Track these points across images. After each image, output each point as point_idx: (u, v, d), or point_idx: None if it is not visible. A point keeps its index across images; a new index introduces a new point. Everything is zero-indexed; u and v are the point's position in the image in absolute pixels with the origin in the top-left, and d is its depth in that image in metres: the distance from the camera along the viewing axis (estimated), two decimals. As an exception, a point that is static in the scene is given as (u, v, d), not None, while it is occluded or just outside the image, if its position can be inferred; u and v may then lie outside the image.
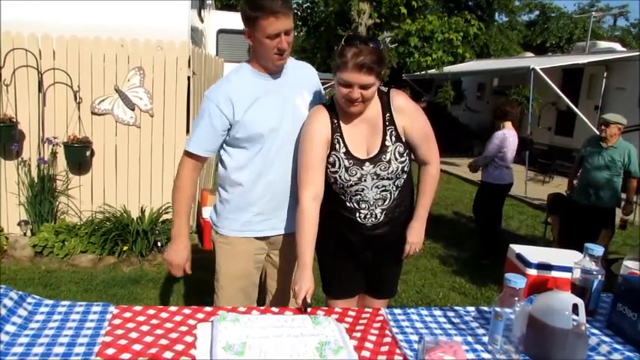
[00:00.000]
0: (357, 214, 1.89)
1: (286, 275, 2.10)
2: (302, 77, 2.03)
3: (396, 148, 1.84)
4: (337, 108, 1.85)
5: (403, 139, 1.85)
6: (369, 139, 1.85)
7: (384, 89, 1.88)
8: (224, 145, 1.95)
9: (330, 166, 1.84)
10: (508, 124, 4.81)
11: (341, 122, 1.85)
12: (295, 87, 1.97)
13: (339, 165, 1.83)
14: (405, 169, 1.88)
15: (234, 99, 1.85)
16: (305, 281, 1.69)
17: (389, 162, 1.82)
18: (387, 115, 1.84)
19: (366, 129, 1.85)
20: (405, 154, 1.86)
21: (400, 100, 1.87)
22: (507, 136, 4.73)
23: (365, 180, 1.83)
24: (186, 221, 1.97)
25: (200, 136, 1.89)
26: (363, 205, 1.87)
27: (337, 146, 1.84)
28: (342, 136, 1.84)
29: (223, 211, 2.01)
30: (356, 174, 1.82)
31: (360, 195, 1.86)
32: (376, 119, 1.84)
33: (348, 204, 1.89)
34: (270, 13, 1.71)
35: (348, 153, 1.83)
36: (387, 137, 1.83)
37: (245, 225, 1.98)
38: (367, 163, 1.82)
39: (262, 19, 1.72)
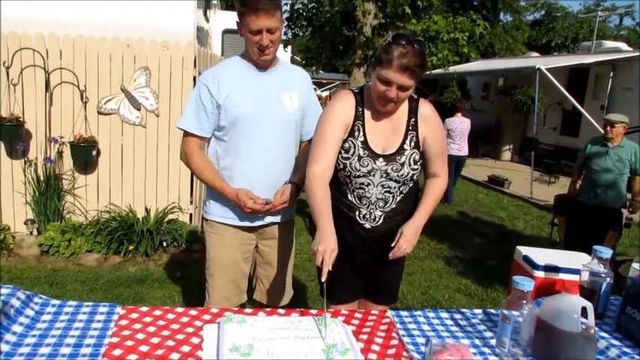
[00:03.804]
0: (357, 212, 1.87)
1: (275, 267, 2.20)
2: (293, 79, 2.10)
3: (412, 154, 1.84)
4: (365, 98, 1.86)
5: (421, 149, 1.86)
6: (388, 137, 1.84)
7: (414, 96, 1.88)
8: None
9: (343, 152, 1.83)
10: (458, 115, 7.59)
11: (365, 112, 1.85)
12: (283, 85, 2.06)
13: (353, 152, 1.82)
14: (414, 177, 1.88)
15: (221, 80, 1.98)
16: (329, 242, 1.56)
17: (402, 165, 1.82)
18: (412, 120, 1.85)
19: (388, 127, 1.85)
20: (418, 163, 1.86)
21: (427, 109, 1.88)
22: (451, 121, 7.47)
23: (374, 175, 1.83)
24: (225, 186, 2.01)
25: (189, 113, 2.04)
26: (364, 202, 1.86)
27: (356, 133, 1.83)
28: (363, 125, 1.83)
29: (210, 195, 2.13)
30: (367, 166, 1.82)
31: (364, 190, 1.85)
32: (400, 121, 1.85)
33: (349, 197, 1.87)
34: (254, 10, 1.82)
35: (365, 143, 1.82)
36: (407, 141, 1.84)
37: (225, 211, 2.07)
38: (381, 159, 1.82)
39: (246, 15, 1.85)
